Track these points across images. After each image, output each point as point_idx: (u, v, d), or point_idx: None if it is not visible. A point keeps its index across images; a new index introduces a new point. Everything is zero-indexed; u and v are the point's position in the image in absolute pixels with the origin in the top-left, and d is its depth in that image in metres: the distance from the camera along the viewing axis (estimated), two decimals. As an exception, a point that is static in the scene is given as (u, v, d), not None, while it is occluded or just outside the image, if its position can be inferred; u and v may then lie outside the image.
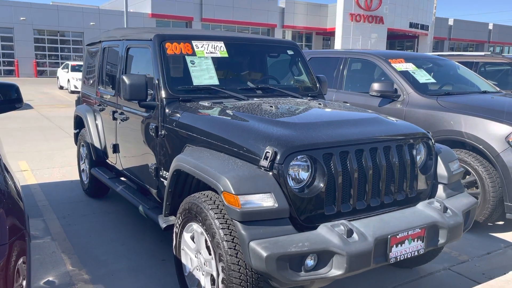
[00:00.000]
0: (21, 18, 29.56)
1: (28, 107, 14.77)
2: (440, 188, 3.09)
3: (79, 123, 5.27)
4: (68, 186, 5.63)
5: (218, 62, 3.82)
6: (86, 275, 3.36)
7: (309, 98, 3.86)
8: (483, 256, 3.85)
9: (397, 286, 3.32)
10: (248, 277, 2.41)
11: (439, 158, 3.12)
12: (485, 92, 5.36)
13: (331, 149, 2.56)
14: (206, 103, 3.33)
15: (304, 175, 2.51)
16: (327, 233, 2.37)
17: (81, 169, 5.39)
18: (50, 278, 3.30)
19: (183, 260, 2.89)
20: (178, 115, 3.25)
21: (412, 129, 3.05)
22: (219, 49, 3.77)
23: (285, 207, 2.36)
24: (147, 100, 3.49)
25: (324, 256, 2.33)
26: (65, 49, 32.22)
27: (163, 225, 3.17)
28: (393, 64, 5.34)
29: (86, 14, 31.68)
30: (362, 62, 5.78)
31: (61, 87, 22.69)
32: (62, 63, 24.96)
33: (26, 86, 22.91)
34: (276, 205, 2.33)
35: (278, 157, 2.43)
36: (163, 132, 3.37)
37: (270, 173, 2.43)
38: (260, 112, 3.03)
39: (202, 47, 3.71)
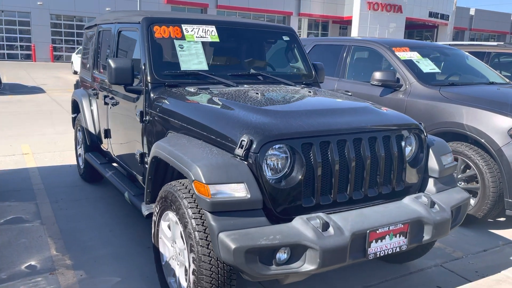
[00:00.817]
0: (38, 3, 29.74)
1: (41, 91, 14.90)
2: (431, 182, 2.96)
3: (76, 108, 5.24)
4: (66, 171, 5.63)
5: (209, 47, 3.72)
6: (69, 261, 3.34)
7: (302, 86, 3.73)
8: (478, 254, 3.71)
9: (384, 281, 3.22)
10: (219, 269, 2.34)
11: (431, 151, 2.98)
12: (492, 83, 5.15)
13: (311, 139, 2.45)
14: (192, 89, 3.24)
15: (281, 165, 2.41)
16: (302, 226, 2.28)
17: (78, 153, 5.38)
18: (33, 263, 3.29)
19: (161, 249, 2.83)
20: (163, 100, 3.17)
21: (402, 120, 2.91)
22: (210, 34, 3.66)
23: (258, 198, 2.27)
24: (134, 85, 3.42)
25: (297, 250, 2.24)
26: (81, 34, 32.37)
27: (145, 213, 3.11)
28: (397, 53, 5.16)
29: (102, -1, 31.72)
30: (365, 50, 5.60)
31: (75, 72, 22.81)
32: (78, 48, 25.11)
33: (42, 70, 23.14)
34: (249, 195, 2.24)
35: (253, 146, 2.33)
36: (147, 117, 3.30)
37: (245, 162, 2.34)
38: (244, 99, 2.93)
39: (192, 31, 3.60)
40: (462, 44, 7.37)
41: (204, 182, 2.21)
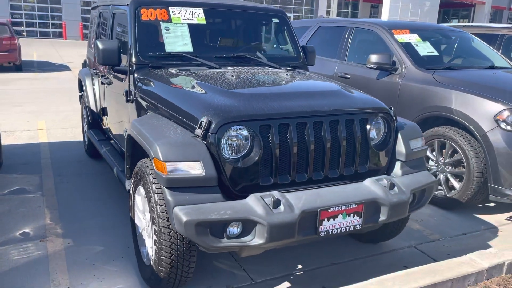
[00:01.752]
0: None
1: (66, 68, 15.36)
2: (398, 165, 3.02)
3: (81, 86, 5.48)
4: (74, 146, 5.92)
5: (196, 29, 3.82)
6: (60, 229, 3.59)
7: (287, 68, 3.80)
8: (456, 237, 3.76)
9: (354, 260, 3.34)
10: (178, 240, 2.51)
11: (399, 134, 3.03)
12: (492, 67, 5.06)
13: (270, 121, 2.56)
14: (173, 71, 3.37)
15: (240, 146, 2.53)
16: (254, 203, 2.41)
17: (84, 130, 5.64)
18: (27, 230, 3.56)
19: (136, 221, 3.03)
20: (144, 81, 3.33)
21: (370, 103, 2.96)
22: (197, 16, 3.77)
23: (213, 176, 2.41)
24: (122, 66, 3.58)
25: (248, 225, 2.39)
26: (110, 13, 32.77)
27: (127, 187, 3.30)
28: (395, 35, 5.12)
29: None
30: (366, 32, 5.57)
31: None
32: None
33: (70, 48, 23.71)
34: (204, 173, 2.39)
35: (212, 127, 2.47)
36: (131, 97, 3.47)
37: (204, 142, 2.48)
38: (217, 82, 3.04)
39: (179, 13, 3.72)
40: (472, 26, 7.19)
41: (161, 159, 2.37)
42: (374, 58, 4.88)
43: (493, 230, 3.93)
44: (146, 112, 3.23)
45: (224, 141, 2.48)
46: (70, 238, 3.47)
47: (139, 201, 2.93)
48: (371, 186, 2.72)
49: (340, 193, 2.62)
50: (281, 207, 2.41)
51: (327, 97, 2.88)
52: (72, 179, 4.72)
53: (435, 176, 4.40)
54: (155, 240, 2.56)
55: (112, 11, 4.20)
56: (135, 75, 3.43)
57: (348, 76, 5.46)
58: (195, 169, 2.39)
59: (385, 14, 34.45)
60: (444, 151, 4.29)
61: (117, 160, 3.99)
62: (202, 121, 2.49)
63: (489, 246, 3.55)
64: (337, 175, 2.80)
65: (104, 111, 4.47)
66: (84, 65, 5.82)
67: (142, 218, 2.90)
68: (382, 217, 2.68)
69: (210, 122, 2.47)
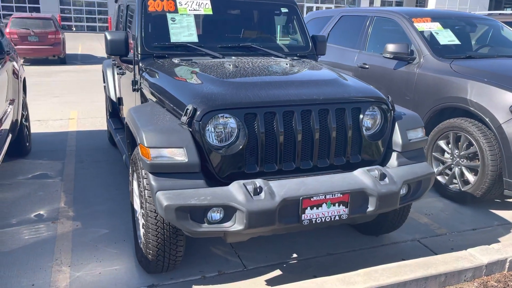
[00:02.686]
0: None
1: (107, 61, 15.88)
2: (394, 155, 2.96)
3: (104, 77, 5.68)
4: (99, 135, 6.17)
5: (204, 19, 3.89)
6: (71, 213, 3.78)
7: (292, 58, 3.79)
8: (465, 232, 3.64)
9: (351, 251, 3.31)
10: (164, 224, 2.59)
11: (396, 124, 2.97)
12: (517, 56, 4.81)
13: (255, 109, 2.57)
14: (176, 60, 3.44)
15: (225, 133, 2.57)
16: (235, 189, 2.44)
17: (107, 119, 5.86)
18: (41, 212, 3.77)
19: (134, 205, 3.14)
20: (147, 70, 3.42)
21: (364, 92, 2.91)
22: (204, 6, 3.82)
23: (196, 162, 2.46)
24: (129, 56, 3.70)
25: (228, 211, 2.43)
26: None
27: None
28: (415, 24, 4.96)
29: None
30: (386, 21, 5.42)
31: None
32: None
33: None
34: (186, 159, 2.45)
35: (197, 114, 2.52)
36: (136, 86, 3.58)
37: (189, 129, 2.53)
38: (213, 71, 3.08)
39: (185, 4, 3.78)
40: (505, 14, 6.82)
41: (145, 145, 2.45)
42: (390, 47, 4.76)
43: (506, 226, 3.76)
44: (147, 101, 3.32)
45: (209, 129, 2.53)
46: (80, 221, 3.64)
47: (135, 186, 3.03)
48: (360, 176, 2.68)
49: (326, 182, 2.60)
50: (262, 194, 2.42)
51: (319, 86, 2.86)
52: (91, 166, 4.93)
53: (450, 169, 4.26)
54: (143, 223, 2.66)
55: (126, 4, 4.34)
56: (140, 64, 3.54)
57: (367, 66, 5.35)
58: (178, 155, 2.45)
59: (432, 4, 33.21)
60: (459, 143, 4.14)
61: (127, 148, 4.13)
62: (187, 109, 2.54)
63: (497, 242, 3.40)
64: (327, 165, 2.78)
65: (119, 101, 4.63)
66: (109, 56, 6.03)
67: (138, 202, 3.00)
68: (371, 208, 2.64)
69: (195, 110, 2.52)
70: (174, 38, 3.66)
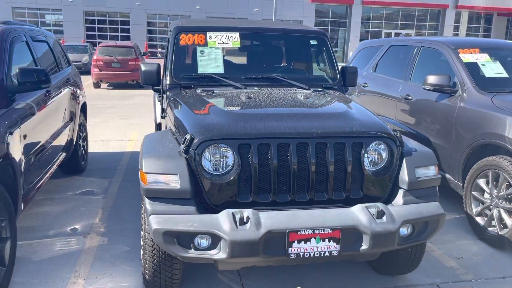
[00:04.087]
0: (136, 4, 32.38)
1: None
2: (400, 193, 2.86)
3: (155, 103, 6.07)
4: (150, 156, 6.54)
5: (232, 51, 4.06)
6: (102, 229, 4.07)
7: (316, 89, 3.80)
8: (492, 280, 3.35)
9: (360, 289, 3.20)
10: (159, 247, 2.72)
11: (404, 161, 2.87)
12: None
13: (250, 140, 2.65)
14: (198, 91, 3.63)
15: (218, 163, 2.66)
16: (223, 218, 2.51)
17: (156, 142, 6.22)
18: (77, 226, 4.11)
19: (147, 226, 3.32)
20: (172, 100, 3.64)
21: (369, 127, 2.86)
22: (233, 40, 4.00)
23: (187, 189, 2.57)
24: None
25: (215, 239, 2.49)
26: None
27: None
28: (461, 55, 4.74)
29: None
30: (431, 52, 5.23)
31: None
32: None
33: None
34: (178, 186, 2.57)
35: (193, 143, 2.65)
36: (163, 114, 3.82)
37: (186, 157, 2.67)
38: (225, 102, 3.22)
39: (215, 37, 3.99)
40: None
41: (144, 170, 2.62)
42: (431, 79, 4.59)
43: (545, 278, 3.41)
44: (168, 128, 3.53)
45: (204, 158, 2.64)
46: (107, 237, 3.90)
47: (147, 208, 3.21)
48: (357, 212, 2.63)
49: (319, 216, 2.58)
50: (248, 224, 2.47)
51: (321, 119, 2.86)
52: (134, 185, 5.25)
53: (489, 210, 3.96)
54: (141, 244, 2.82)
55: (168, 36, 4.65)
56: (167, 93, 3.78)
57: (410, 97, 5.19)
58: (172, 181, 2.59)
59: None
60: (498, 183, 3.85)
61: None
62: (185, 137, 2.69)
63: (526, 295, 3.10)
64: (324, 199, 2.76)
65: (159, 126, 4.93)
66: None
67: (147, 224, 3.18)
68: (364, 246, 2.56)
69: (192, 139, 2.66)
70: (201, 70, 3.87)
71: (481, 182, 4.04)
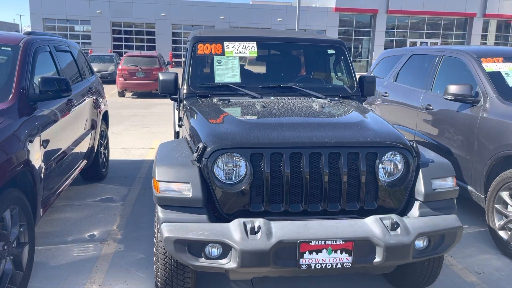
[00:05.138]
0: (162, 14, 33.07)
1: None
2: (416, 205, 2.79)
3: (175, 111, 6.14)
4: (170, 164, 6.60)
5: (253, 61, 4.08)
6: (119, 236, 4.11)
7: (332, 99, 3.78)
8: (515, 297, 3.23)
9: (375, 303, 3.13)
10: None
11: (420, 172, 2.81)
12: None
13: (262, 149, 2.64)
14: (215, 100, 3.65)
15: (230, 172, 2.66)
16: (234, 227, 2.50)
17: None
18: (94, 233, 4.17)
19: (162, 234, 3.34)
20: (189, 108, 3.68)
21: (384, 138, 2.81)
22: (250, 49, 4.02)
23: (199, 198, 2.58)
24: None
25: (226, 248, 2.48)
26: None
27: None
28: (484, 64, 4.64)
29: (217, 8, 33.57)
30: (453, 61, 5.13)
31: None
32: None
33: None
34: (190, 194, 2.58)
35: (206, 152, 2.66)
36: (180, 123, 3.86)
37: (199, 165, 2.68)
38: (240, 111, 3.23)
39: (233, 47, 4.02)
40: None
41: (156, 179, 2.64)
42: (452, 89, 4.50)
43: None
44: (184, 137, 3.56)
45: (216, 166, 2.65)
46: (124, 243, 3.94)
47: (162, 216, 3.23)
48: (370, 224, 2.58)
49: (330, 227, 2.54)
50: (259, 234, 2.45)
51: (336, 128, 2.84)
52: (152, 193, 5.29)
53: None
54: (154, 252, 2.83)
55: (187, 46, 4.71)
56: (184, 102, 3.82)
57: (431, 107, 5.09)
58: (184, 190, 2.60)
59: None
60: (522, 196, 3.73)
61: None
62: (198, 146, 2.70)
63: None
64: (338, 209, 2.72)
65: (177, 135, 4.97)
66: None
67: (162, 232, 3.20)
68: (378, 259, 2.51)
69: (205, 148, 2.67)
70: (218, 79, 3.90)
71: (505, 194, 3.92)
